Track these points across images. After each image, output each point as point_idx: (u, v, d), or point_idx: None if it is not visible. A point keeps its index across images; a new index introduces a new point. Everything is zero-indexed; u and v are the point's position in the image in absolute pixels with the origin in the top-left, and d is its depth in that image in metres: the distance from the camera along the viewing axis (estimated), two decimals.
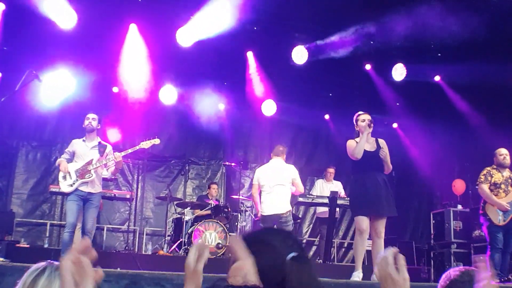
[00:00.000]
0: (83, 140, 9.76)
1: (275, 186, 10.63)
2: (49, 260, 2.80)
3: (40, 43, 13.27)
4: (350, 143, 9.06)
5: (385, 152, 9.06)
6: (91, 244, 1.91)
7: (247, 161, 16.83)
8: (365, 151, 8.92)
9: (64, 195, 9.97)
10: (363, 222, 8.74)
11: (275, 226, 10.49)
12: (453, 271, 3.57)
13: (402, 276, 2.31)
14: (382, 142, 9.23)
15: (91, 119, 9.71)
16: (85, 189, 9.40)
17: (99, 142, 9.80)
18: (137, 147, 9.96)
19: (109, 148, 9.89)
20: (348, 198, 10.54)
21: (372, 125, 8.97)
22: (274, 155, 11.19)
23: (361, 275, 8.83)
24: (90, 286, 1.83)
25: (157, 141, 10.18)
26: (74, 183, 9.36)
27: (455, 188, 15.78)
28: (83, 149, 9.66)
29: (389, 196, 8.98)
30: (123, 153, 9.70)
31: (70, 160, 9.66)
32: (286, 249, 2.14)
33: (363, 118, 9.06)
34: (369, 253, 11.16)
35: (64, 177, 9.46)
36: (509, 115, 14.27)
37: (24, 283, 2.67)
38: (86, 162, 9.51)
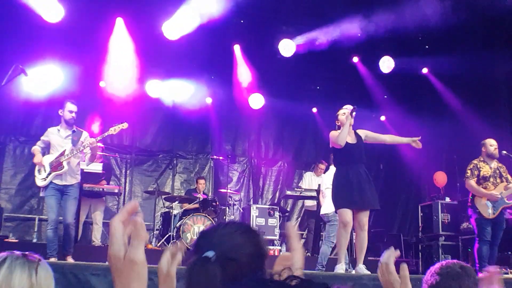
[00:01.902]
0: (58, 130, 9.56)
1: (326, 189, 10.80)
2: (12, 251, 2.81)
3: (27, 37, 13.23)
4: (333, 133, 9.15)
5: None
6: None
7: (235, 155, 16.85)
8: (348, 143, 8.98)
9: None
10: (347, 214, 8.77)
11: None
12: (435, 266, 3.60)
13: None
14: (361, 131, 9.32)
15: (75, 113, 9.50)
16: (59, 182, 9.22)
17: (73, 131, 9.56)
18: (106, 134, 9.60)
19: (84, 135, 9.67)
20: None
21: (354, 114, 9.05)
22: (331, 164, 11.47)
23: (344, 267, 8.87)
24: (141, 247, 1.81)
25: (125, 125, 9.72)
26: (47, 177, 9.20)
27: (436, 181, 15.81)
28: (57, 139, 9.46)
29: (372, 188, 9.05)
30: (97, 138, 9.52)
31: (44, 149, 9.48)
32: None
33: (343, 112, 9.20)
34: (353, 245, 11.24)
35: (39, 171, 9.31)
36: (497, 107, 14.33)
37: None
38: (59, 154, 9.30)
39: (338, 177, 9.11)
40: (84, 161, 9.86)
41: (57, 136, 9.48)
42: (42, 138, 9.59)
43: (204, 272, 1.96)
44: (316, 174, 14.62)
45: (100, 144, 9.65)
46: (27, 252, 2.85)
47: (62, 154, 9.27)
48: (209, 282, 1.93)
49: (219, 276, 1.94)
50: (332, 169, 10.74)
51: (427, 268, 3.70)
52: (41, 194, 11.23)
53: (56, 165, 9.19)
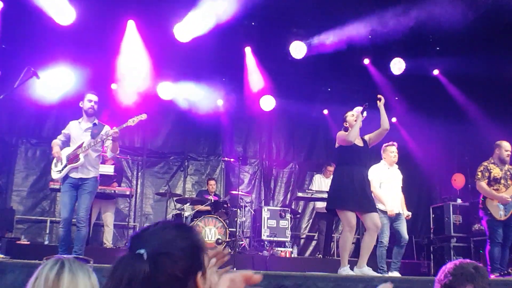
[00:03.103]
0: (79, 122, 9.33)
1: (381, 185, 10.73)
2: (56, 255, 2.82)
3: (39, 40, 13.29)
4: (341, 132, 9.19)
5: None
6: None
7: (246, 157, 16.85)
8: (355, 145, 9.01)
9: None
10: (353, 218, 8.79)
11: None
12: (448, 266, 3.60)
13: None
14: (365, 136, 9.37)
15: (94, 103, 9.24)
16: (76, 175, 8.91)
17: (94, 124, 9.32)
18: (124, 125, 9.10)
19: (106, 128, 9.30)
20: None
21: (364, 113, 9.09)
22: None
23: (348, 270, 8.85)
24: None
25: (143, 116, 9.31)
26: (63, 169, 8.92)
27: (455, 182, 15.77)
28: (77, 131, 9.23)
29: (370, 193, 9.09)
30: (118, 128, 8.95)
31: (66, 143, 9.22)
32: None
33: (352, 113, 9.27)
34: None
35: (56, 164, 9.08)
36: (508, 108, 14.29)
37: (46, 279, 2.66)
38: (77, 146, 9.03)
39: (341, 177, 9.06)
40: (106, 152, 9.54)
41: (78, 129, 9.25)
42: (63, 131, 9.39)
43: (130, 268, 1.95)
44: (326, 176, 14.61)
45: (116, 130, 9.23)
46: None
47: (80, 146, 9.01)
48: (132, 278, 1.94)
49: (146, 273, 1.94)
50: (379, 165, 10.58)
51: (439, 270, 3.70)
52: (51, 186, 11.19)
53: (72, 158, 8.93)
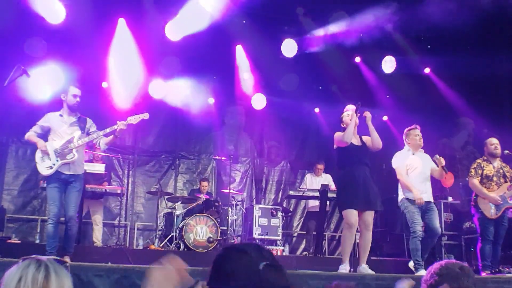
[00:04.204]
0: (60, 115, 9.01)
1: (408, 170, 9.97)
2: (34, 256, 2.81)
3: (29, 38, 13.22)
4: (338, 133, 9.22)
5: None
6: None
7: (238, 155, 16.85)
8: (353, 145, 9.04)
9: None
10: (353, 216, 8.82)
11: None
12: (434, 266, 3.63)
13: None
14: (365, 137, 9.34)
15: (79, 97, 9.00)
16: (67, 171, 8.68)
17: (79, 118, 9.07)
18: (126, 122, 8.92)
19: (89, 122, 9.13)
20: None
21: (358, 112, 9.11)
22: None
23: (348, 267, 8.90)
24: None
25: (146, 115, 9.17)
26: (54, 165, 8.63)
27: (444, 181, 15.77)
28: (60, 125, 8.91)
29: (376, 189, 9.10)
30: (125, 122, 8.82)
31: (41, 136, 8.88)
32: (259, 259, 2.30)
33: (347, 113, 9.31)
34: (355, 245, 11.19)
35: (43, 158, 8.74)
36: (498, 106, 14.32)
37: (34, 280, 2.65)
38: (66, 141, 8.76)
39: (344, 178, 9.18)
40: (99, 146, 9.19)
41: (60, 122, 8.94)
42: (39, 123, 9.03)
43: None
44: (316, 174, 14.62)
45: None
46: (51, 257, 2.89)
47: (71, 141, 8.77)
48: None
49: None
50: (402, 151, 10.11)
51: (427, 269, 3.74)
52: (42, 185, 11.03)
53: (63, 153, 8.68)
